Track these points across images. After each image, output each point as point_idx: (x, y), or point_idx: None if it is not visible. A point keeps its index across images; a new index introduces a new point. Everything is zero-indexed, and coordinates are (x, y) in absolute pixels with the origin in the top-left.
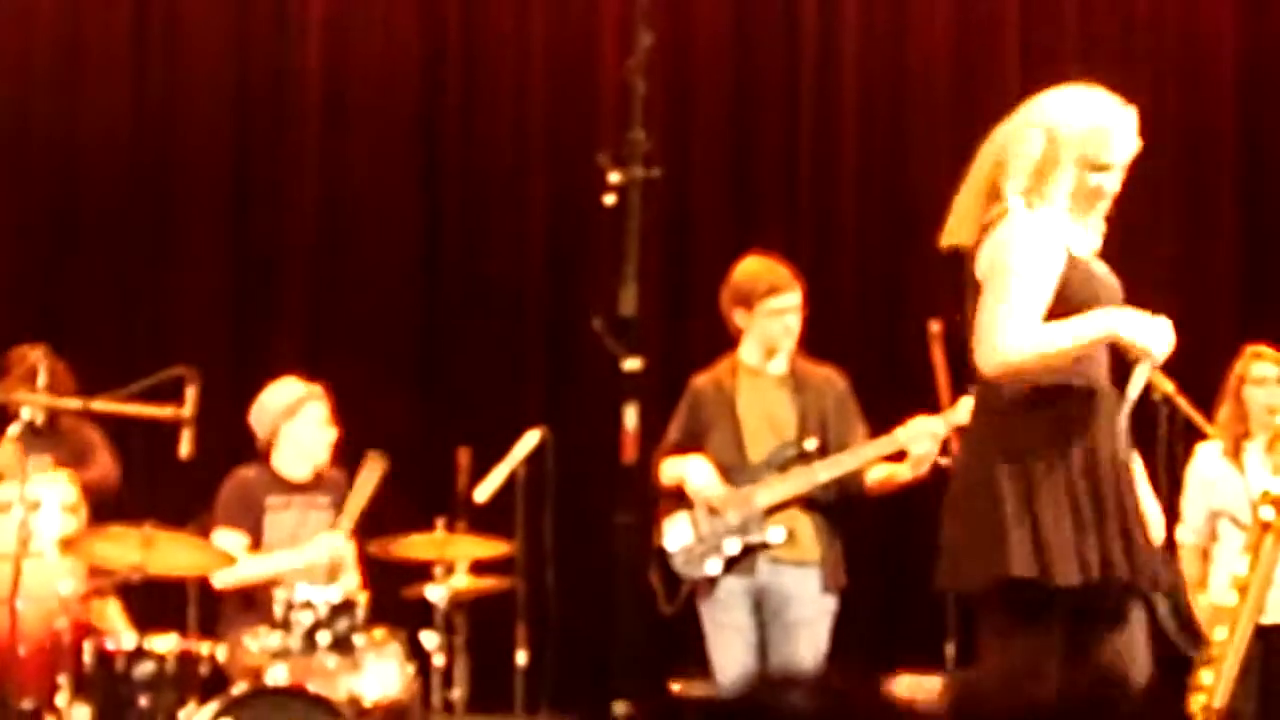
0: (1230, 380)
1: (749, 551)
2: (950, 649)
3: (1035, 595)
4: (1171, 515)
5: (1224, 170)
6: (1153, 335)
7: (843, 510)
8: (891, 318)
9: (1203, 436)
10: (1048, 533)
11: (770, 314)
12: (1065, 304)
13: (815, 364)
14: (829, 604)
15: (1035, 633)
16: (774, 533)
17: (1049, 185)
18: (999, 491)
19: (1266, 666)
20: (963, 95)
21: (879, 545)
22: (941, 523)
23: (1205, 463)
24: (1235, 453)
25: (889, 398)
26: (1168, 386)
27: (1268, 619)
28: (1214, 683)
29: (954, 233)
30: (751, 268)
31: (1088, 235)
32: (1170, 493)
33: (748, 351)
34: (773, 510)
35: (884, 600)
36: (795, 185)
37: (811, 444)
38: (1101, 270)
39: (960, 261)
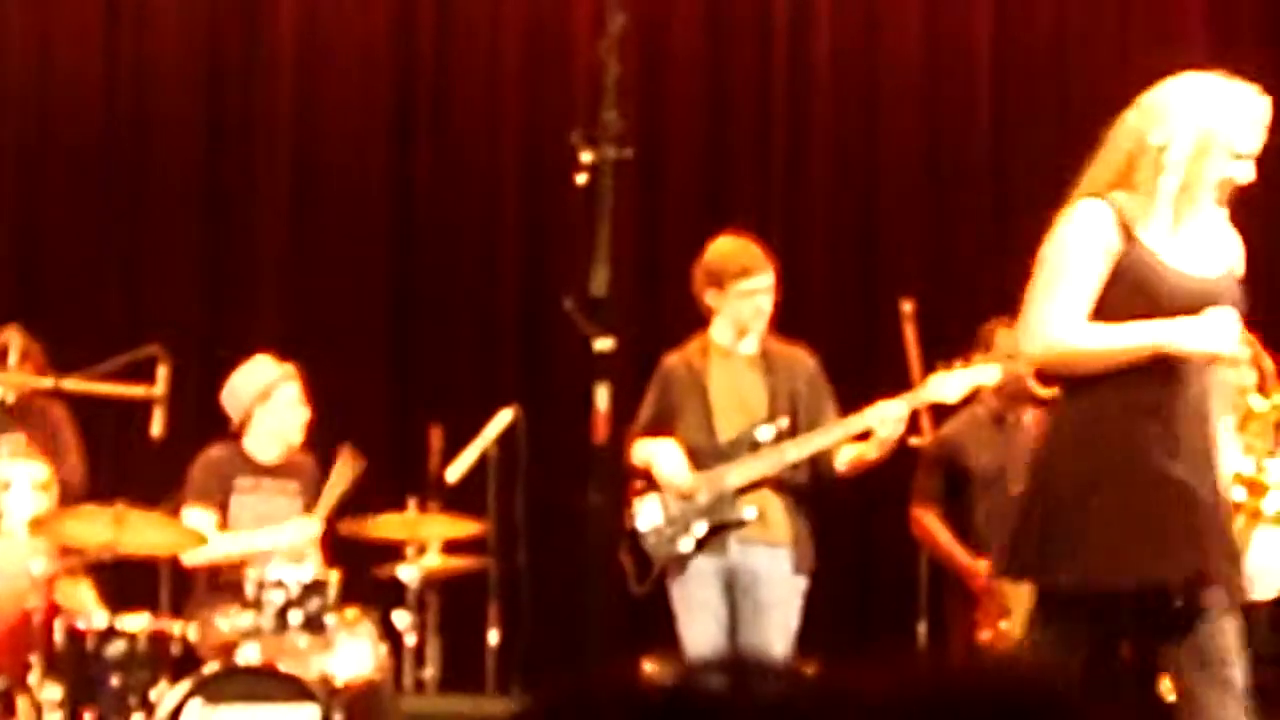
0: None
1: (719, 531)
2: (922, 628)
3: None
4: None
5: None
6: (1211, 339)
7: (814, 491)
8: (864, 297)
9: None
10: (1073, 535)
11: (742, 294)
12: (1119, 298)
13: (787, 344)
14: (800, 584)
15: (1052, 630)
16: (745, 512)
17: (1200, 174)
18: (1044, 487)
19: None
20: (934, 77)
21: (851, 525)
22: None
23: None
24: None
25: (862, 377)
26: None
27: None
28: None
29: None
30: (724, 248)
31: (1206, 231)
32: None
33: (719, 332)
34: (743, 490)
35: (856, 580)
36: (768, 166)
37: (782, 424)
38: (1193, 270)
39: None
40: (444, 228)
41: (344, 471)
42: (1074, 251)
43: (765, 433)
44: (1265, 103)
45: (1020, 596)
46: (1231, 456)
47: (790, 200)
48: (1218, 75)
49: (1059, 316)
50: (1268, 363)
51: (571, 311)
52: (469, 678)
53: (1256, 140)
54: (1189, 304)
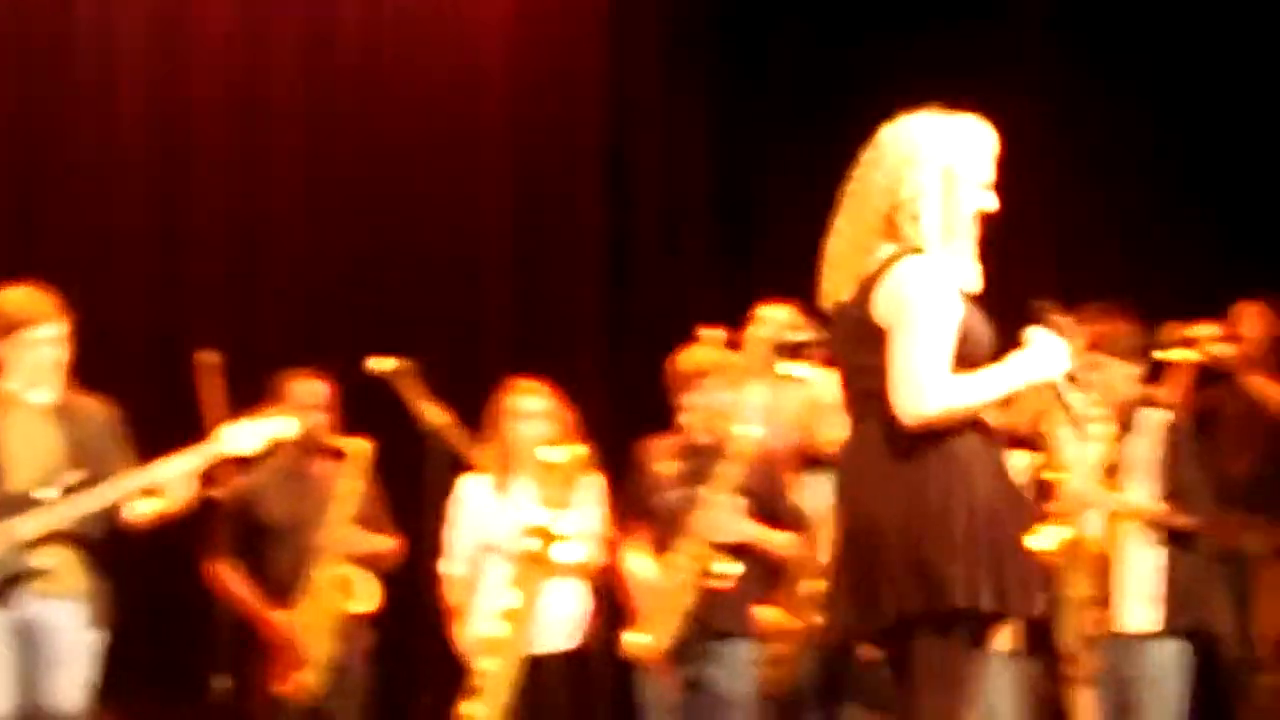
0: (495, 413)
1: (10, 584)
2: (223, 681)
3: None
4: (438, 547)
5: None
6: (1052, 363)
7: (109, 543)
8: (166, 348)
9: (471, 468)
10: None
11: (31, 344)
12: (969, 350)
13: (82, 394)
14: (93, 638)
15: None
16: (36, 565)
17: (955, 217)
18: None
19: (534, 696)
20: (242, 113)
21: (149, 578)
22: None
23: (472, 495)
24: (503, 485)
25: (164, 429)
26: (441, 419)
27: (536, 649)
28: (485, 714)
29: (835, 289)
30: (12, 297)
31: (970, 273)
32: (437, 525)
33: (11, 381)
34: (36, 543)
35: (155, 634)
36: (75, 213)
37: (75, 476)
38: (978, 312)
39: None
40: None
41: None
42: (943, 305)
43: (58, 484)
44: (989, 130)
45: (319, 647)
46: (528, 508)
47: (95, 249)
48: (940, 112)
49: (942, 379)
50: (566, 415)
51: None
52: None
53: (990, 168)
54: (988, 347)
